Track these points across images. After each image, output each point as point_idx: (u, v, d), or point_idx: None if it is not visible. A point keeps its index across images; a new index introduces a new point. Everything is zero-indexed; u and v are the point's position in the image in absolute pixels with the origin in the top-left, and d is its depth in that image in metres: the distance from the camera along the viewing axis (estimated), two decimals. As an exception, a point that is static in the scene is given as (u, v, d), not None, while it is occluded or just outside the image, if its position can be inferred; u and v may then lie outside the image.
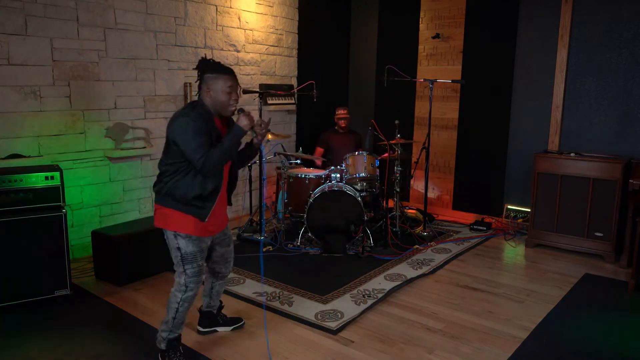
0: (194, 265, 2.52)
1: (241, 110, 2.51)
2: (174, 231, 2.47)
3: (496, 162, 5.27)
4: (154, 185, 2.54)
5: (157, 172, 2.56)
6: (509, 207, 5.20)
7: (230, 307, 3.29)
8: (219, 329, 2.97)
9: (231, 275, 3.82)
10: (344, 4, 6.42)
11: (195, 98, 2.59)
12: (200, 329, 2.96)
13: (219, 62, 2.53)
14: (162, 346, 2.59)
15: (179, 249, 2.50)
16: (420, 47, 5.76)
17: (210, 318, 2.96)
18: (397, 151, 4.69)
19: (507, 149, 5.20)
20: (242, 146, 2.66)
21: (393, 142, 4.63)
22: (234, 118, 2.55)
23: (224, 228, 2.72)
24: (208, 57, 2.55)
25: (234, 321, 3.02)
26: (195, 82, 2.55)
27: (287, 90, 5.66)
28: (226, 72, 2.47)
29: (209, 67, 2.47)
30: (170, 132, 2.40)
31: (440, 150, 5.71)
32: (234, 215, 5.39)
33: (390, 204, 5.09)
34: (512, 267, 4.14)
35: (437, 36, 5.57)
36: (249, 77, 5.37)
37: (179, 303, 2.54)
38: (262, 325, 3.04)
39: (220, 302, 3.00)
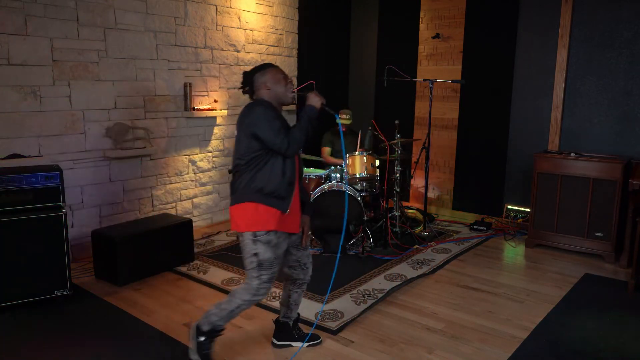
0: (270, 272, 2.45)
1: (310, 91, 2.55)
2: (254, 232, 2.39)
3: (496, 162, 5.27)
4: (231, 186, 2.50)
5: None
6: (509, 207, 5.20)
7: (230, 307, 3.30)
8: (293, 343, 2.79)
9: (231, 275, 3.83)
10: (344, 4, 6.42)
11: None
12: (275, 341, 2.80)
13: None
14: (205, 328, 2.49)
15: (256, 255, 2.42)
16: (420, 47, 5.76)
17: (287, 331, 2.79)
18: (397, 151, 4.69)
19: (507, 149, 5.20)
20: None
21: (394, 141, 4.63)
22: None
23: (299, 228, 2.61)
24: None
25: (312, 337, 2.82)
26: (245, 94, 2.59)
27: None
28: (270, 65, 2.55)
29: (255, 70, 2.53)
30: (246, 127, 2.39)
31: (440, 150, 5.71)
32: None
33: (390, 204, 5.09)
34: (512, 267, 4.14)
35: (437, 36, 5.57)
36: (249, 77, 5.36)
37: (243, 301, 2.47)
38: (263, 325, 3.05)
39: (298, 314, 2.85)
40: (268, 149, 2.39)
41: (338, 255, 2.84)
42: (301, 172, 2.67)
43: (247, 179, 2.41)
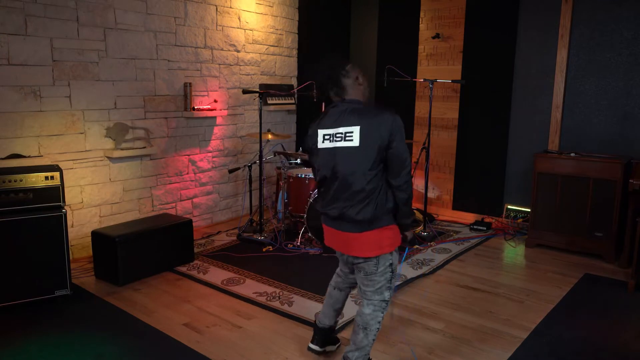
0: (397, 279, 2.43)
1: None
2: (391, 251, 2.30)
3: (496, 162, 5.27)
4: (358, 212, 2.21)
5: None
6: (509, 207, 5.20)
7: (231, 307, 3.30)
8: (328, 348, 2.72)
9: (231, 275, 3.83)
10: (344, 4, 6.42)
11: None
12: (317, 348, 2.68)
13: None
14: None
15: (391, 264, 2.32)
16: (420, 47, 5.76)
17: (330, 336, 2.70)
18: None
19: (507, 149, 5.20)
20: None
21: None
22: None
23: None
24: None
25: (337, 340, 2.79)
26: (330, 88, 2.33)
27: (287, 90, 5.66)
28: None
29: (344, 61, 2.36)
30: (387, 133, 2.16)
31: (440, 150, 5.71)
32: (235, 215, 5.40)
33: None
34: (512, 267, 4.14)
35: (437, 36, 5.57)
36: (249, 77, 5.37)
37: (379, 322, 2.36)
38: (263, 326, 3.05)
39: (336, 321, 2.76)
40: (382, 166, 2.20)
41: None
42: None
43: (382, 200, 2.22)
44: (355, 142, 2.19)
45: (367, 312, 2.35)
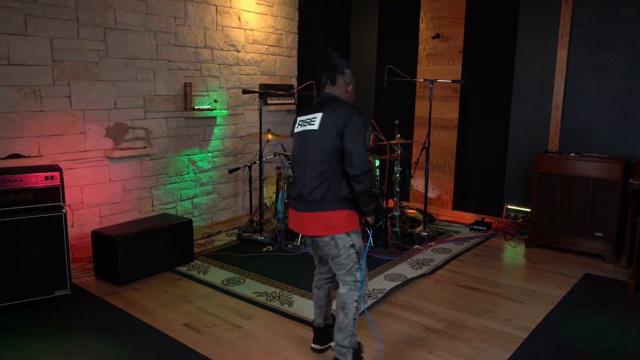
0: (364, 259, 2.50)
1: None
2: (347, 231, 2.42)
3: (496, 162, 5.27)
4: (303, 192, 2.41)
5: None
6: (509, 207, 5.20)
7: (231, 307, 3.30)
8: (332, 344, 2.68)
9: (231, 275, 3.83)
10: (344, 4, 6.42)
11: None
12: (317, 347, 2.73)
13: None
14: (350, 357, 2.46)
15: (353, 245, 2.45)
16: (420, 47, 5.76)
17: (328, 334, 2.74)
18: (397, 151, 4.69)
19: (507, 149, 5.20)
20: None
21: (393, 142, 4.63)
22: None
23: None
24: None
25: None
26: (327, 74, 2.52)
27: (287, 90, 5.66)
28: None
29: (348, 64, 2.51)
30: (341, 123, 2.34)
31: (440, 150, 5.71)
32: (235, 215, 5.40)
33: (390, 204, 5.09)
34: (512, 267, 4.14)
35: (437, 36, 5.57)
36: (249, 77, 5.37)
37: (357, 302, 2.46)
38: (263, 326, 3.05)
39: (333, 315, 2.80)
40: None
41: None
42: None
43: (336, 185, 2.38)
44: (316, 126, 2.41)
45: (343, 292, 2.49)
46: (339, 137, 2.34)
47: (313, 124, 2.42)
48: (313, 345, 2.76)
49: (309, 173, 2.40)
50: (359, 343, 2.55)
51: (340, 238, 2.42)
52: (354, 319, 2.47)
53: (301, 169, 2.46)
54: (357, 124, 2.34)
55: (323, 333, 2.76)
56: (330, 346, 2.76)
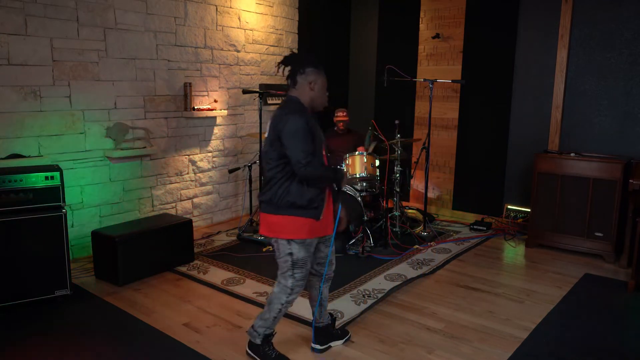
0: (303, 270, 2.51)
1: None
2: (287, 239, 2.46)
3: (496, 162, 5.27)
4: (262, 194, 2.50)
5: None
6: (509, 207, 5.20)
7: (231, 307, 3.30)
8: (333, 343, 2.80)
9: (231, 275, 3.83)
10: (344, 4, 6.42)
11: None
12: (318, 346, 2.75)
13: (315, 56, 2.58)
14: (258, 341, 2.59)
15: (291, 254, 2.48)
16: (420, 47, 5.76)
17: (327, 334, 2.80)
18: (397, 151, 4.69)
19: (507, 149, 5.20)
20: None
21: (394, 141, 4.63)
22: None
23: (332, 226, 2.61)
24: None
25: (345, 334, 2.87)
26: (287, 77, 2.51)
27: (287, 90, 5.65)
28: (322, 67, 2.52)
29: (311, 61, 2.48)
30: (278, 129, 2.36)
31: (440, 150, 5.71)
32: (235, 215, 5.40)
33: (390, 204, 5.09)
34: (512, 267, 4.14)
35: (437, 36, 5.57)
36: (249, 77, 5.37)
37: (282, 305, 2.54)
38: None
39: (331, 314, 2.88)
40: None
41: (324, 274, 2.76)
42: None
43: (281, 191, 2.41)
44: (267, 133, 2.49)
45: (275, 290, 2.58)
46: (279, 142, 2.38)
47: (267, 130, 2.49)
48: (313, 345, 2.77)
49: (265, 178, 2.52)
50: (271, 334, 2.63)
51: (281, 243, 2.49)
52: (275, 317, 2.57)
53: (263, 172, 2.54)
54: (289, 125, 2.34)
55: (322, 333, 2.78)
56: (330, 346, 2.77)
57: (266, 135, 2.49)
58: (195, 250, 4.27)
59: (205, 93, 4.92)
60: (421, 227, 4.90)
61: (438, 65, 5.64)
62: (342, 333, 2.87)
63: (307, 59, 2.50)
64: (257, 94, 4.72)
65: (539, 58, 4.89)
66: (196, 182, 4.97)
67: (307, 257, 2.51)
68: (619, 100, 4.50)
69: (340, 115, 5.18)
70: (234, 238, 4.71)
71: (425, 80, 4.87)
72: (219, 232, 4.91)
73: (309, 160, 2.32)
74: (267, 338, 2.61)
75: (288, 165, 2.40)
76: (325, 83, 2.51)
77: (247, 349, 2.66)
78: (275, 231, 2.47)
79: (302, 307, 3.26)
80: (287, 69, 2.50)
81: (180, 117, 4.71)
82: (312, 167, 2.34)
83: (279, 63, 2.55)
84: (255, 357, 2.62)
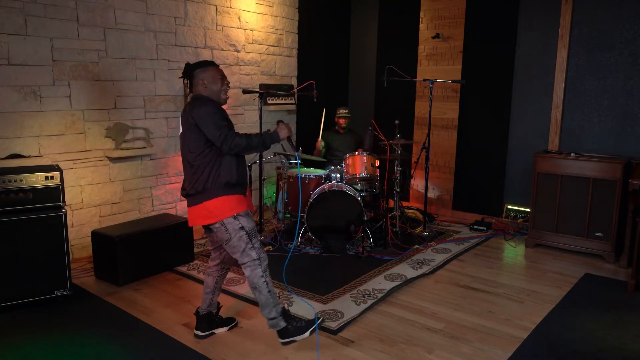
0: (257, 238, 2.65)
1: (281, 121, 2.72)
2: (234, 215, 2.58)
3: (496, 162, 5.27)
4: (187, 188, 2.63)
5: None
6: (509, 207, 5.20)
7: (231, 307, 3.30)
8: (217, 330, 2.96)
9: (230, 275, 3.83)
10: (344, 4, 6.42)
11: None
12: (200, 333, 2.91)
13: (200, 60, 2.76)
14: (282, 323, 2.64)
15: (242, 227, 2.60)
16: (420, 47, 5.76)
17: (210, 321, 2.93)
18: (397, 151, 4.69)
19: (507, 149, 5.20)
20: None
21: (394, 142, 4.63)
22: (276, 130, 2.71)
23: (251, 203, 2.84)
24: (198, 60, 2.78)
25: (229, 321, 3.04)
26: (187, 87, 2.74)
27: (287, 90, 5.66)
28: (212, 63, 2.69)
29: (195, 66, 2.68)
30: (192, 119, 2.53)
31: (440, 150, 5.71)
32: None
33: (390, 204, 5.09)
34: (512, 267, 4.14)
35: (437, 36, 5.57)
36: (249, 77, 5.37)
37: (263, 278, 2.63)
38: (262, 324, 3.05)
39: (218, 302, 3.01)
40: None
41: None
42: None
43: (213, 175, 2.56)
44: (182, 128, 2.64)
45: (247, 274, 2.65)
46: (196, 131, 2.53)
47: (181, 126, 2.65)
48: (195, 332, 2.90)
49: (187, 172, 2.64)
50: (283, 308, 2.70)
51: (229, 222, 2.58)
52: (269, 291, 2.63)
53: (184, 170, 2.68)
54: (200, 111, 2.52)
55: (205, 320, 2.91)
56: (213, 332, 2.93)
57: (180, 133, 2.65)
58: (195, 250, 4.27)
59: (205, 93, 4.91)
60: (421, 227, 4.90)
61: (438, 65, 5.65)
62: (227, 320, 3.02)
63: (192, 65, 2.68)
64: (257, 94, 4.71)
65: (539, 58, 4.89)
66: (196, 182, 4.96)
67: (254, 226, 2.65)
68: (619, 100, 4.50)
69: (342, 113, 5.19)
70: (234, 238, 4.70)
71: (425, 80, 4.87)
72: (219, 232, 4.90)
73: (224, 132, 2.48)
74: (285, 313, 2.68)
75: (213, 146, 2.55)
76: (215, 73, 2.65)
77: (281, 340, 2.67)
78: (219, 214, 2.57)
79: (301, 306, 3.26)
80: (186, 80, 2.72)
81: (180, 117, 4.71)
82: (231, 137, 2.49)
83: (180, 77, 2.91)
84: (292, 338, 2.65)
